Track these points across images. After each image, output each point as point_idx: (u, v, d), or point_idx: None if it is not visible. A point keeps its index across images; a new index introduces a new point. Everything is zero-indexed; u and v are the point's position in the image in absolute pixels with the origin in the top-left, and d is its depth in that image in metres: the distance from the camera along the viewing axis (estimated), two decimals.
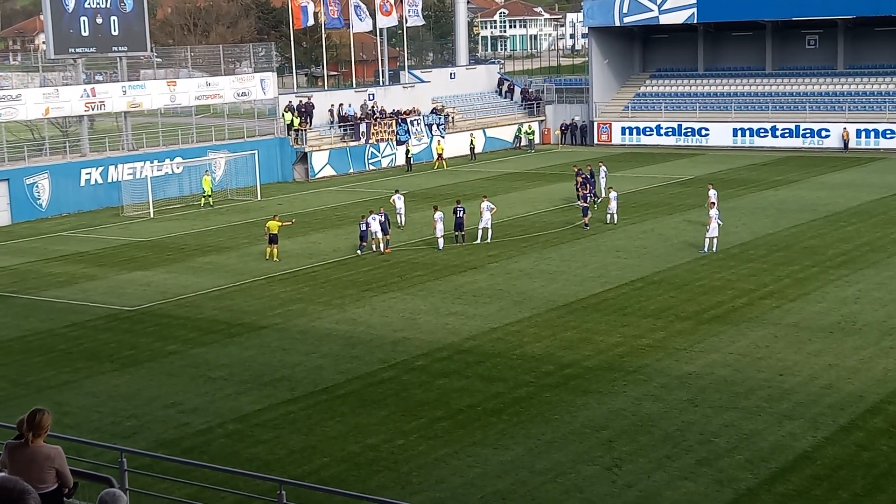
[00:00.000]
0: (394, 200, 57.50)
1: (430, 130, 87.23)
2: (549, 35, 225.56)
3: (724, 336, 34.83)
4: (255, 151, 72.34)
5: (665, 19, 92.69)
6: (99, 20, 69.20)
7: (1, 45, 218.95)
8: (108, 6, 69.73)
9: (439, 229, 50.41)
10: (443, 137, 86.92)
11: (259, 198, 69.12)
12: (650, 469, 24.40)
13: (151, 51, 77.51)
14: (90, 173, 67.39)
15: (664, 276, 43.71)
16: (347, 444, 26.58)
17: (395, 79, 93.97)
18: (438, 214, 50.53)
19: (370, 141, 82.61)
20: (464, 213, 51.74)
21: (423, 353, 34.19)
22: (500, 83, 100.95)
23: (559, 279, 43.72)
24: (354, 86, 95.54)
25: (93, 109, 69.92)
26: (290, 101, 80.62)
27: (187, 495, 21.69)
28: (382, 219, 50.39)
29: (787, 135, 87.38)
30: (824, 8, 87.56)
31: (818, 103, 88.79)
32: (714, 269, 44.62)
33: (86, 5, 68.46)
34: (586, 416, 27.87)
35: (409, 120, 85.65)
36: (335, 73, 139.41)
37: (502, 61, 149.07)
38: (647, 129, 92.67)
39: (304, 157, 78.73)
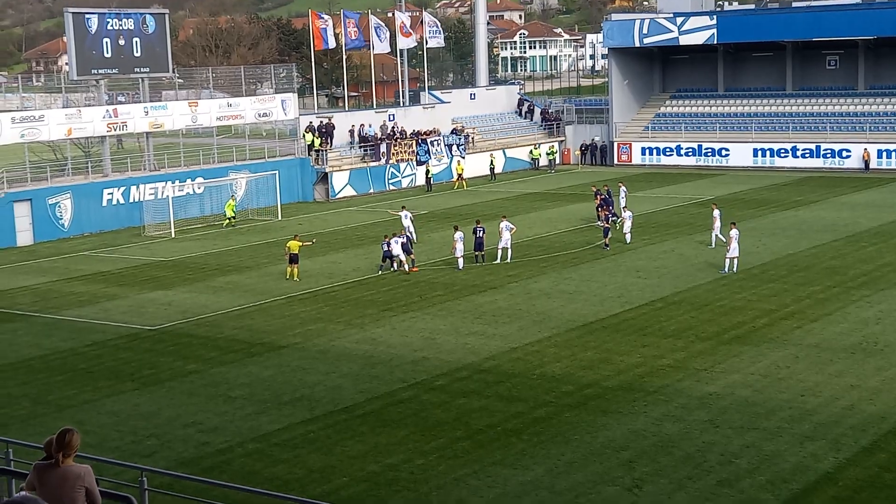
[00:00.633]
0: (402, 218, 57.68)
1: (450, 151, 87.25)
2: (569, 56, 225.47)
3: (745, 356, 34.61)
4: (276, 172, 72.45)
5: (685, 40, 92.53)
6: (121, 42, 69.43)
7: (24, 67, 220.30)
8: (131, 28, 69.97)
9: (459, 249, 50.36)
10: (463, 158, 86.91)
11: (280, 218, 69.17)
12: (671, 490, 24.26)
13: (173, 72, 77.78)
14: (112, 193, 67.60)
15: (684, 296, 43.52)
16: (367, 463, 26.47)
17: (415, 99, 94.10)
18: (458, 234, 50.52)
19: (390, 161, 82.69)
20: (483, 233, 51.59)
21: (443, 372, 34.06)
22: (520, 104, 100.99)
23: (579, 299, 43.58)
24: (375, 106, 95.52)
25: (115, 130, 70.11)
26: (311, 122, 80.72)
27: None
28: (404, 240, 50.67)
29: (807, 155, 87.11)
30: (845, 28, 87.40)
31: (839, 123, 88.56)
32: (734, 289, 44.38)
33: (108, 27, 68.73)
34: (606, 437, 27.71)
35: (429, 140, 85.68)
36: (356, 94, 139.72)
37: (522, 82, 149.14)
38: (668, 150, 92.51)
39: (324, 178, 78.80)
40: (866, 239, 55.29)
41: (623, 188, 65.09)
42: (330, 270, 51.36)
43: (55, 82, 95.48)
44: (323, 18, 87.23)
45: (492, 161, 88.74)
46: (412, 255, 50.90)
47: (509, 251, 51.95)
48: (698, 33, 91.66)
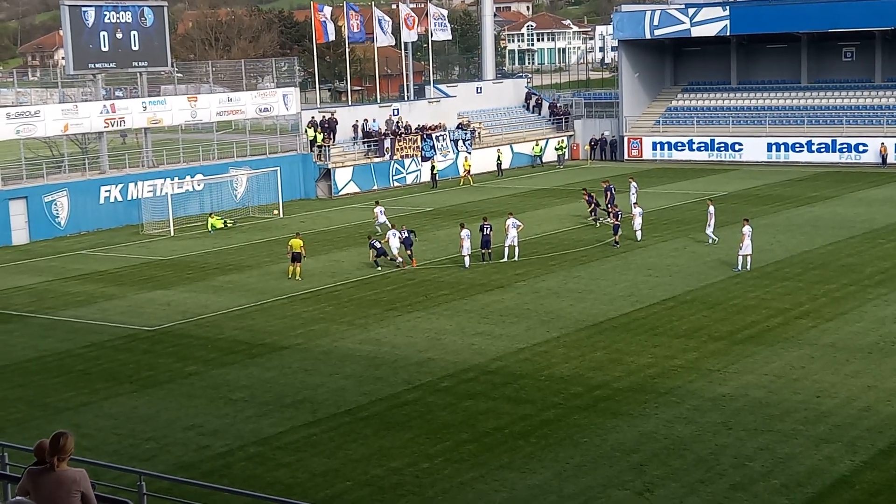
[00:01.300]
0: (376, 213, 58.25)
1: (456, 146, 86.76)
2: (578, 48, 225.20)
3: (759, 357, 34.39)
4: (278, 168, 72.03)
5: (697, 32, 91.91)
6: (119, 35, 69.02)
7: (20, 61, 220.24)
8: (129, 21, 69.62)
9: (466, 247, 49.97)
10: (469, 153, 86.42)
11: (281, 215, 68.79)
12: (683, 494, 24.04)
13: (172, 66, 77.41)
14: (109, 191, 67.22)
15: (696, 294, 43.25)
16: (371, 467, 26.35)
17: (420, 93, 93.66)
18: (465, 232, 50.21)
19: (395, 157, 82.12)
20: (490, 230, 51.33)
21: (449, 374, 33.86)
22: (528, 97, 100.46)
23: (588, 298, 43.31)
24: (379, 101, 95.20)
25: (112, 126, 69.76)
26: (313, 117, 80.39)
27: None
28: (405, 235, 50.50)
29: (823, 149, 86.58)
30: (861, 19, 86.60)
31: (855, 117, 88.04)
32: (748, 287, 44.10)
33: (106, 20, 68.35)
34: (616, 439, 27.54)
35: (434, 135, 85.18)
36: (359, 88, 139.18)
37: (530, 75, 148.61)
38: (679, 145, 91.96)
39: (327, 174, 78.36)
40: (883, 236, 54.99)
41: (633, 184, 64.81)
42: (332, 269, 51.16)
43: (51, 77, 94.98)
44: (324, 10, 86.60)
45: (499, 156, 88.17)
46: (409, 251, 50.86)
47: (517, 249, 51.63)
48: (711, 24, 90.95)
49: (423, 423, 29.31)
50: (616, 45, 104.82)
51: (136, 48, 70.15)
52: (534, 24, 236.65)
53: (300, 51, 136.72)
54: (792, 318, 39.00)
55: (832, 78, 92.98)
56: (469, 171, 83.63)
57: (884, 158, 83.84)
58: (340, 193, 78.29)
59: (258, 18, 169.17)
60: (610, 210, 57.27)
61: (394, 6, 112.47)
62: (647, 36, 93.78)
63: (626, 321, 39.46)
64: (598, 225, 59.25)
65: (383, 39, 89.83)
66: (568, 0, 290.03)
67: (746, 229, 47.29)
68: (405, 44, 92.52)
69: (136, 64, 70.88)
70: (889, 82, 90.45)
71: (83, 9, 67.61)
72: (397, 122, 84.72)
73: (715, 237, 53.11)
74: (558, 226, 60.82)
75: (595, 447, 26.99)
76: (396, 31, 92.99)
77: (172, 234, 62.93)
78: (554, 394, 31.35)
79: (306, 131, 79.11)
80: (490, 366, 34.48)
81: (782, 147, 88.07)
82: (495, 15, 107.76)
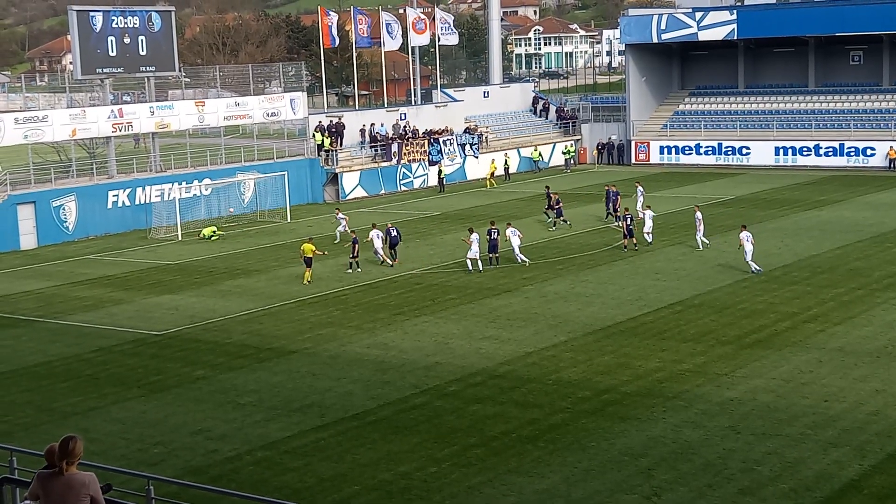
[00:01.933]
0: (339, 219, 58.82)
1: (463, 150, 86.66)
2: (585, 52, 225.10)
3: (767, 361, 34.27)
4: (285, 172, 72.08)
5: (704, 35, 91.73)
6: (127, 40, 68.99)
7: (28, 66, 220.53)
8: (136, 26, 69.59)
9: (474, 251, 49.78)
10: (476, 157, 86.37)
11: (289, 220, 68.73)
12: (691, 499, 24.02)
13: (180, 70, 77.40)
14: (117, 195, 67.19)
15: (704, 299, 43.13)
16: (379, 471, 26.30)
17: (427, 98, 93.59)
18: (474, 236, 50.05)
19: (402, 161, 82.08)
20: (497, 234, 51.32)
21: (456, 378, 33.77)
22: (535, 102, 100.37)
23: (596, 302, 43.21)
24: (386, 105, 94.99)
25: (120, 130, 69.65)
26: (321, 121, 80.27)
27: None
28: (393, 234, 51.89)
29: (830, 153, 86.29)
30: (869, 23, 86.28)
31: (863, 121, 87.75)
32: (756, 291, 43.97)
33: (113, 25, 68.33)
34: (624, 444, 27.46)
35: (441, 140, 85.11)
36: (366, 93, 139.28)
37: (537, 79, 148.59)
38: (687, 149, 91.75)
39: (334, 179, 78.31)
40: (891, 239, 54.81)
41: (639, 188, 64.61)
42: (340, 274, 50.95)
43: (59, 82, 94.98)
44: (330, 15, 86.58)
45: (506, 161, 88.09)
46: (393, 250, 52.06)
47: (520, 257, 51.32)
48: (718, 28, 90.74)
49: (430, 428, 29.23)
50: (623, 49, 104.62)
51: (143, 53, 70.08)
52: (541, 29, 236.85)
53: (307, 55, 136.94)
54: (800, 322, 38.87)
55: (840, 82, 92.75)
56: (493, 175, 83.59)
57: (892, 162, 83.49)
58: (348, 198, 78.18)
59: (265, 23, 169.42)
60: (618, 213, 57.13)
61: (401, 11, 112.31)
62: (655, 40, 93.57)
63: (634, 325, 39.36)
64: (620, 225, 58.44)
65: (391, 44, 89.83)
66: (575, 4, 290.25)
67: (744, 235, 47.25)
68: (413, 48, 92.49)
69: (143, 69, 70.78)
70: None
71: (91, 14, 67.59)
72: (405, 127, 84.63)
73: (706, 240, 53.14)
74: (566, 230, 60.56)
75: (603, 451, 26.91)
76: (404, 36, 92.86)
77: (180, 238, 62.90)
78: (562, 398, 31.28)
79: (314, 136, 78.99)
80: (498, 370, 34.38)
81: (790, 151, 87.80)
82: (502, 19, 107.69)
